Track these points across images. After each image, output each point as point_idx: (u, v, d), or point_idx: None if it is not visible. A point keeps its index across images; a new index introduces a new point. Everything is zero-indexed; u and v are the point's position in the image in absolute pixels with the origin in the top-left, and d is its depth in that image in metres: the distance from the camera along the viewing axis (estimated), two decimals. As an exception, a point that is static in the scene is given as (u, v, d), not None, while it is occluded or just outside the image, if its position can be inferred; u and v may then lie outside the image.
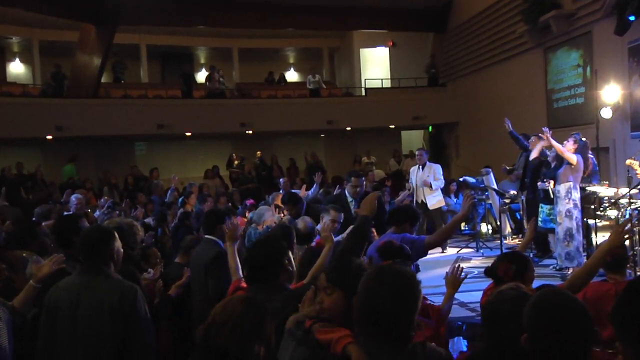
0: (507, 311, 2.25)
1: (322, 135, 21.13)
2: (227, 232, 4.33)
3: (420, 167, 10.37)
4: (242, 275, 3.98)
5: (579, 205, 7.88)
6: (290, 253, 3.24)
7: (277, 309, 2.80)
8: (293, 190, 10.14)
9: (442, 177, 10.45)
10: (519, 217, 10.90)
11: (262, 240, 3.42)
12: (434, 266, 9.33)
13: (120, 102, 16.87)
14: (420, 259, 4.76)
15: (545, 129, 8.24)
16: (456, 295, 4.07)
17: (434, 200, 10.35)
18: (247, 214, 8.93)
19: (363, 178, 6.69)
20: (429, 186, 10.24)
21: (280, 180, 11.08)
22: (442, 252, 10.01)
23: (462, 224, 12.66)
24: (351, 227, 3.62)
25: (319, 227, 5.27)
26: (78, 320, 3.23)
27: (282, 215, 7.34)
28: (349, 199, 6.54)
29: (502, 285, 2.61)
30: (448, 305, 3.90)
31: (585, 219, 8.03)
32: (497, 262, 3.53)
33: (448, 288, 3.92)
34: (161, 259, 5.36)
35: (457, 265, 3.94)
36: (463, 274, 3.98)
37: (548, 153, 8.72)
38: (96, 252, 3.33)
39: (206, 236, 5.03)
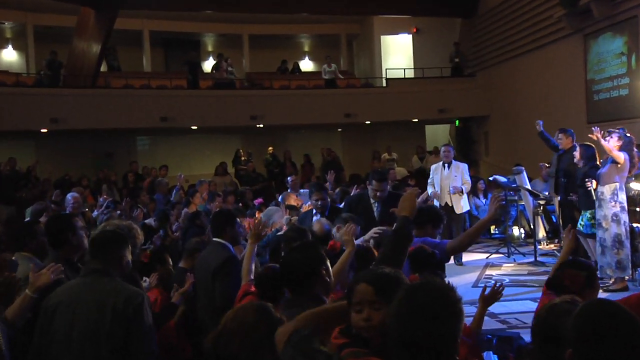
0: (561, 327, 2.19)
1: (339, 130, 21.12)
2: (252, 230, 4.32)
3: (446, 165, 10.13)
4: (253, 279, 3.99)
5: (625, 207, 7.75)
6: (327, 262, 3.16)
7: None
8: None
9: (470, 179, 10.33)
10: (554, 219, 10.81)
11: (299, 246, 3.35)
12: (457, 272, 9.29)
13: (121, 93, 16.97)
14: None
15: (596, 129, 8.06)
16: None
17: (462, 204, 10.10)
18: (257, 215, 8.94)
19: (387, 182, 6.55)
20: (459, 192, 9.98)
21: (288, 178, 10.99)
22: (458, 264, 9.75)
23: (492, 227, 12.60)
24: (376, 230, 3.53)
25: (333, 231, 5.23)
26: (76, 319, 3.28)
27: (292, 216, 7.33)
28: (372, 200, 6.43)
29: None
30: (479, 325, 3.83)
31: (631, 223, 7.91)
32: (561, 270, 3.46)
33: (481, 305, 3.85)
34: (168, 265, 5.36)
35: (498, 285, 3.87)
36: (492, 282, 3.94)
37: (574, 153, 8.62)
38: (106, 255, 3.44)
39: (215, 239, 5.01)
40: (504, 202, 9.54)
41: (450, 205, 9.98)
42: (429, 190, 9.99)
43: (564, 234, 4.76)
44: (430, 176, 10.35)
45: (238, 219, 5.18)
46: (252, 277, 4.02)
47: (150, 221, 8.78)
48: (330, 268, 3.16)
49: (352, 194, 7.72)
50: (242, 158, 17.92)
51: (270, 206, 8.56)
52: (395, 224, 3.28)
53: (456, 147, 13.78)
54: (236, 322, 2.22)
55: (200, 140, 19.78)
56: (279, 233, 6.18)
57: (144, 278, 4.97)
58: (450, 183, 10.00)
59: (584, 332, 1.96)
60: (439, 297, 2.01)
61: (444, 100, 18.51)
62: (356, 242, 3.90)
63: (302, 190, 10.59)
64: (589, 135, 8.27)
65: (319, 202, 6.48)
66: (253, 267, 4.18)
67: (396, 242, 3.19)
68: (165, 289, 5.07)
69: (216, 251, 4.81)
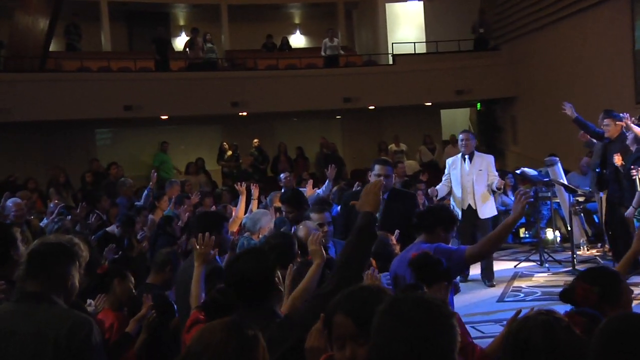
0: (533, 343, 2.36)
1: (338, 117, 21.12)
2: (198, 250, 4.40)
3: (466, 158, 9.46)
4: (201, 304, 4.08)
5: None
6: (278, 271, 3.30)
7: (275, 339, 2.82)
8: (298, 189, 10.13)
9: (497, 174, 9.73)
10: (596, 220, 10.78)
11: (247, 252, 3.44)
12: (478, 284, 9.26)
13: (76, 77, 16.94)
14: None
15: (625, 115, 8.07)
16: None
17: (489, 207, 9.47)
18: (233, 211, 8.96)
19: (391, 167, 6.62)
20: (490, 191, 9.41)
21: (281, 175, 11.00)
22: (489, 285, 9.39)
23: (522, 230, 12.56)
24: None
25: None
26: (8, 355, 3.14)
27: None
28: None
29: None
30: (496, 350, 3.79)
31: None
32: (575, 282, 3.47)
33: (507, 329, 3.84)
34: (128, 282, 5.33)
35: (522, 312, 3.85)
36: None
37: (627, 134, 8.65)
38: (46, 274, 3.27)
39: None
40: (532, 199, 9.44)
41: (474, 208, 9.34)
42: (440, 188, 9.49)
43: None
44: (446, 172, 9.72)
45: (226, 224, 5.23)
46: (200, 302, 4.13)
47: (112, 229, 8.78)
48: (279, 276, 3.28)
49: (352, 190, 7.71)
50: (228, 152, 17.87)
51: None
52: (356, 222, 3.31)
53: (478, 135, 13.75)
54: (201, 343, 2.24)
55: (173, 133, 19.74)
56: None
57: (88, 301, 4.93)
58: (473, 180, 9.33)
59: (608, 350, 2.04)
60: (426, 310, 2.06)
61: (463, 79, 18.49)
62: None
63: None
64: (617, 122, 8.24)
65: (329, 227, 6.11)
66: (203, 293, 4.24)
67: (358, 244, 3.25)
68: (123, 310, 5.05)
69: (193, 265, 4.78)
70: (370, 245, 3.33)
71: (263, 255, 3.31)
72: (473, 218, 9.27)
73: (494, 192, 9.73)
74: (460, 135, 9.80)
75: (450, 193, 9.64)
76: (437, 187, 9.50)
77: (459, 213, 9.11)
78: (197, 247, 4.44)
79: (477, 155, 9.55)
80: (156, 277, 5.64)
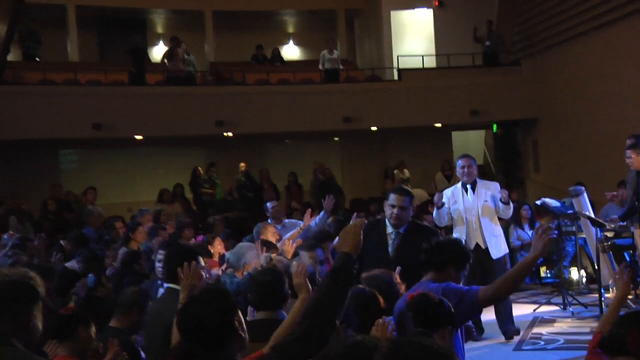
0: None
1: (337, 139, 21.15)
2: (183, 281, 4.45)
3: (468, 188, 9.13)
4: None
5: None
6: (239, 313, 3.33)
7: None
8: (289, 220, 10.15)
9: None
10: (627, 258, 10.74)
11: (202, 293, 3.46)
12: (493, 330, 9.16)
13: (38, 91, 16.89)
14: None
15: None
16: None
17: (500, 245, 9.15)
18: (212, 251, 8.93)
19: (410, 197, 6.55)
20: (506, 202, 8.92)
21: (268, 204, 10.97)
22: (508, 338, 8.98)
23: (542, 269, 12.51)
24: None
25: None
26: None
27: (274, 253, 7.32)
28: (389, 229, 6.47)
29: None
30: None
31: None
32: (622, 328, 3.46)
33: None
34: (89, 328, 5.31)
35: None
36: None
37: None
38: (6, 316, 3.35)
39: (169, 285, 5.14)
40: (555, 235, 9.33)
41: (484, 247, 8.99)
42: (436, 217, 9.18)
43: (617, 274, 4.73)
44: (445, 206, 9.12)
45: (201, 259, 5.20)
46: None
47: (72, 264, 8.72)
48: (242, 319, 3.32)
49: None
50: (203, 177, 17.89)
51: (243, 241, 8.55)
52: (334, 263, 3.43)
53: (494, 160, 13.72)
54: None
55: (149, 155, 19.79)
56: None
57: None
58: (479, 214, 9.00)
59: None
60: (431, 356, 2.10)
61: (478, 98, 18.55)
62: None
63: (286, 221, 10.63)
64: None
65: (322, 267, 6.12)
66: None
67: (331, 287, 3.34)
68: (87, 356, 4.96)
69: (171, 301, 4.81)
70: (346, 289, 3.40)
71: (221, 296, 3.31)
72: (483, 259, 8.83)
73: (500, 219, 9.36)
74: (460, 162, 9.30)
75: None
76: (434, 215, 9.30)
77: None
78: (182, 277, 4.47)
79: (481, 183, 9.22)
80: (121, 320, 5.60)
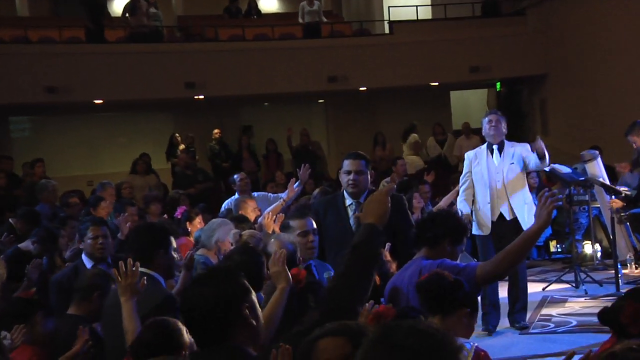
0: None
1: (321, 101, 21.17)
2: (121, 283, 4.54)
3: (495, 148, 8.89)
4: None
5: None
6: (251, 297, 3.24)
7: None
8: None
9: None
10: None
11: (205, 275, 3.43)
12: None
13: (-17, 51, 16.77)
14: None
15: None
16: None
17: (533, 214, 8.90)
18: (189, 228, 8.89)
19: (365, 162, 6.51)
20: (542, 155, 8.59)
21: (235, 176, 10.99)
22: (520, 327, 8.77)
23: (553, 243, 12.52)
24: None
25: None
26: None
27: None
28: (348, 201, 6.44)
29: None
30: None
31: None
32: (622, 302, 3.59)
33: None
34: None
35: None
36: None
37: None
38: None
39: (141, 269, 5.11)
40: (561, 202, 9.24)
41: (510, 217, 8.72)
42: (460, 204, 8.95)
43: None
44: (465, 171, 9.08)
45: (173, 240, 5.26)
46: None
47: (27, 244, 8.64)
48: (257, 305, 3.25)
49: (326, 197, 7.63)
50: (180, 146, 17.86)
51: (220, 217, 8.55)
52: (356, 236, 3.35)
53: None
54: None
55: (110, 122, 19.73)
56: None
57: (3, 333, 4.91)
58: (504, 178, 8.77)
59: None
60: (425, 339, 2.10)
61: (479, 53, 18.53)
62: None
63: (255, 194, 10.63)
64: None
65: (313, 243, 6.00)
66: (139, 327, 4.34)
67: (353, 266, 3.27)
68: (45, 345, 5.13)
69: (144, 289, 4.81)
70: (371, 269, 3.34)
71: (228, 277, 3.24)
72: (508, 233, 8.18)
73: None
74: (487, 118, 9.07)
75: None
76: (457, 204, 9.04)
77: (486, 224, 8.72)
78: (120, 279, 4.54)
79: (509, 144, 8.99)
80: (80, 306, 5.60)
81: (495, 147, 8.86)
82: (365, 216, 3.44)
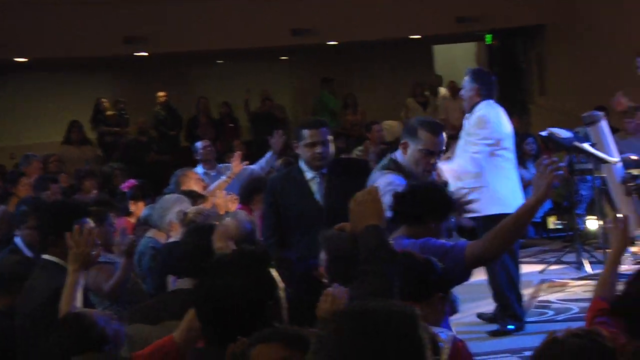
0: None
1: (285, 58, 21.19)
2: (73, 250, 4.51)
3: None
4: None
5: None
6: (277, 291, 3.32)
7: None
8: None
9: None
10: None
11: (226, 261, 3.45)
12: (485, 297, 9.20)
13: None
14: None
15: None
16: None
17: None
18: (132, 208, 8.93)
19: (327, 130, 6.53)
20: None
21: (197, 144, 11.02)
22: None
23: (551, 219, 12.61)
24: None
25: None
26: None
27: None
28: (308, 174, 6.43)
29: None
30: None
31: None
32: (633, 285, 3.63)
33: None
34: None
35: None
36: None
37: None
38: None
39: (44, 256, 5.17)
40: (562, 172, 9.24)
41: None
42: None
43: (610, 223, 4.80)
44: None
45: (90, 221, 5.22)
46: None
47: None
48: (281, 298, 3.30)
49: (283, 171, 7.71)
50: (107, 112, 17.75)
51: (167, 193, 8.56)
52: (361, 243, 3.46)
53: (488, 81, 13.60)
54: None
55: (36, 84, 19.66)
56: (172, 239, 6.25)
57: None
58: None
59: None
60: (395, 322, 2.14)
61: (466, 1, 18.54)
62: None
63: (220, 165, 10.89)
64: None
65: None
66: (78, 302, 4.41)
67: (376, 274, 3.43)
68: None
69: (46, 277, 4.88)
70: (393, 268, 3.50)
71: (254, 264, 3.30)
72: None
73: None
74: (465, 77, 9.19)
75: None
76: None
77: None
78: (72, 244, 4.50)
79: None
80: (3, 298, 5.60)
81: None
82: (359, 221, 3.55)
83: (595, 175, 11.39)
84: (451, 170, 8.13)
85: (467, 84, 9.03)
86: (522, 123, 17.42)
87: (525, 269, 10.64)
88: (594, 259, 10.61)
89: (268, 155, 10.06)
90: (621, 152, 10.85)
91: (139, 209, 8.82)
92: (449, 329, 4.46)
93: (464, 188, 8.16)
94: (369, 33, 18.37)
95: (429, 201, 4.90)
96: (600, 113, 11.14)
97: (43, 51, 17.20)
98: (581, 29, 17.26)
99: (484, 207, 8.19)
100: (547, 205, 11.89)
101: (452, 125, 14.70)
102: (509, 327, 8.41)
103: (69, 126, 16.63)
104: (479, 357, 6.85)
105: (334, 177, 6.34)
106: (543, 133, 11.47)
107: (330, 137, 6.50)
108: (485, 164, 8.37)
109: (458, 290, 5.14)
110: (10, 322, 5.32)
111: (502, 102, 9.50)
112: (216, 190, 8.53)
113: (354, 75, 20.16)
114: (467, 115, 8.93)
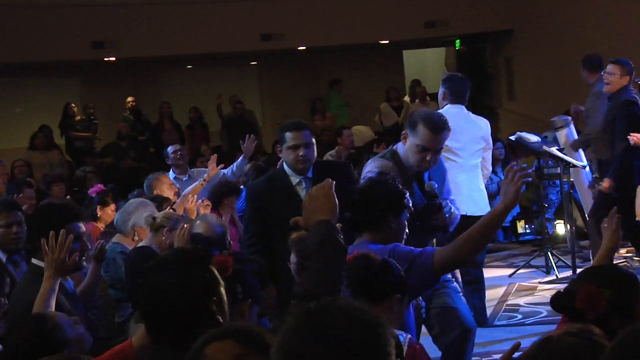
0: None
1: (254, 63, 21.19)
2: (49, 256, 4.49)
3: None
4: None
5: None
6: (221, 289, 3.30)
7: None
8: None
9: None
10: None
11: (171, 259, 3.41)
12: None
13: None
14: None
15: None
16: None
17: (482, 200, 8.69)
18: (99, 213, 8.83)
19: (309, 131, 6.55)
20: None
21: (169, 149, 11.01)
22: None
23: (520, 223, 12.64)
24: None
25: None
26: None
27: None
28: (293, 178, 6.42)
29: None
30: None
31: None
32: (575, 284, 3.63)
33: None
34: None
35: None
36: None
37: None
38: None
39: (33, 261, 5.16)
40: (530, 179, 9.32)
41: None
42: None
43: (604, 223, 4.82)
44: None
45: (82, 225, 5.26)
46: None
47: None
48: (224, 297, 3.29)
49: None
50: (77, 118, 17.72)
51: (131, 198, 8.50)
52: (309, 237, 3.50)
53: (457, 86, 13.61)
54: None
55: (4, 89, 19.49)
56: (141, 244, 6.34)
57: None
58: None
59: None
60: (356, 326, 2.12)
61: (435, 6, 18.56)
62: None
63: (192, 170, 10.85)
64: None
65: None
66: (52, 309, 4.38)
67: (323, 265, 3.43)
68: None
69: (34, 282, 4.81)
70: (341, 262, 3.55)
71: (195, 263, 3.28)
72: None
73: None
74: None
75: None
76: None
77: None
78: (48, 250, 4.49)
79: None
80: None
81: None
82: (311, 216, 3.56)
83: (564, 179, 11.46)
84: None
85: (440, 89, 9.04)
86: (491, 128, 17.51)
87: (495, 272, 10.74)
88: (562, 263, 10.62)
89: (240, 159, 10.06)
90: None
91: (106, 214, 8.76)
92: (413, 331, 4.51)
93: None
94: (338, 38, 18.40)
95: (384, 200, 4.83)
96: (568, 118, 11.21)
97: (7, 55, 17.03)
98: (548, 33, 17.32)
99: None
100: (516, 209, 11.92)
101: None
102: None
103: (35, 132, 16.54)
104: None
105: (320, 178, 6.25)
106: (512, 137, 11.51)
107: (313, 140, 6.49)
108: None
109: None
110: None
111: (471, 107, 9.53)
112: (189, 194, 8.50)
113: (323, 79, 20.12)
114: None
